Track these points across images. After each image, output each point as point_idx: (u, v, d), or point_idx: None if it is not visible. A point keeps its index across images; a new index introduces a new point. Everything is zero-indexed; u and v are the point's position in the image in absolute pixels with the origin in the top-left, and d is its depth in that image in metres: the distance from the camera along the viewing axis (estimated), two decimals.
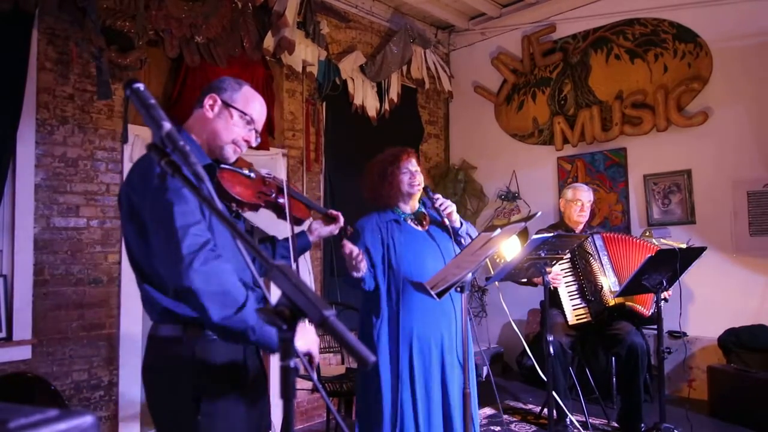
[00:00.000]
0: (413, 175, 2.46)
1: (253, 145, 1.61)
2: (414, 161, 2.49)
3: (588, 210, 3.68)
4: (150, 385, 1.48)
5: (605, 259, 3.51)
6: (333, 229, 1.96)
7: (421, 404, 2.32)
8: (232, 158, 1.60)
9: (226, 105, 1.56)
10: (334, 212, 1.98)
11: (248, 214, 1.71)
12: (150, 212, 1.36)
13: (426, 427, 2.31)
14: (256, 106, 1.60)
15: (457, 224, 2.46)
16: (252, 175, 1.66)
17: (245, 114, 1.57)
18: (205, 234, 1.32)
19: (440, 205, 2.42)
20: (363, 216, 2.53)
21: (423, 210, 2.56)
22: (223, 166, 1.59)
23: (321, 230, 1.96)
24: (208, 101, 1.56)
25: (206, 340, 1.41)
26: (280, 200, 1.72)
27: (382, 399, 2.32)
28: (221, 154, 1.57)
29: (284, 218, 1.72)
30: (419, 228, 2.50)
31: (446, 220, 2.41)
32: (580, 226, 3.69)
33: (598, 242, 3.53)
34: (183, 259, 1.27)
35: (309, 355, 1.42)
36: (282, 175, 4.09)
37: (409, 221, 2.50)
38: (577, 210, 3.64)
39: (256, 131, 1.61)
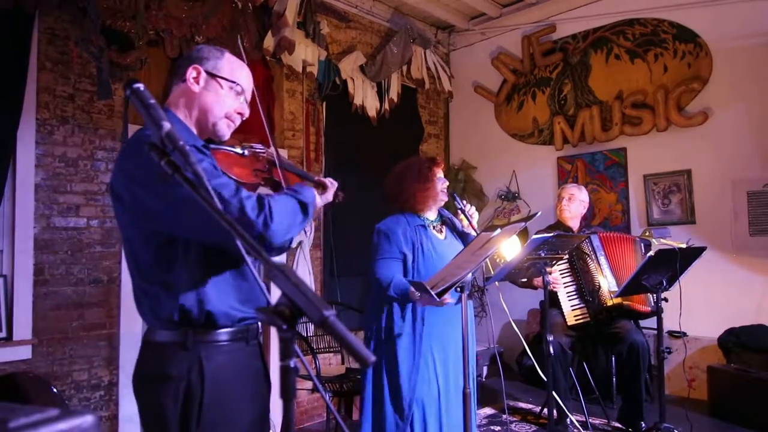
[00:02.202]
0: (443, 183, 2.53)
1: (246, 116, 1.48)
2: (441, 170, 2.56)
3: (573, 202, 3.67)
4: (147, 395, 1.36)
5: (602, 259, 3.50)
6: (328, 197, 1.69)
7: (442, 403, 2.35)
8: (227, 134, 1.46)
9: (212, 75, 1.41)
10: (324, 180, 1.70)
11: None
12: (171, 196, 1.22)
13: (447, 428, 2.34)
14: (243, 73, 1.46)
15: (473, 233, 2.53)
16: (245, 152, 1.53)
17: (235, 83, 1.43)
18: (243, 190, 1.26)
19: (468, 210, 2.49)
20: (387, 217, 2.51)
21: (443, 216, 2.61)
22: (213, 146, 1.45)
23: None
24: (191, 73, 1.40)
25: (212, 344, 1.32)
26: (275, 174, 1.58)
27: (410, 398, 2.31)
28: (215, 130, 1.43)
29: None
30: (440, 236, 2.54)
31: (472, 226, 2.49)
32: (571, 222, 3.67)
33: (595, 242, 3.53)
34: (251, 220, 1.22)
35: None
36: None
37: (432, 228, 2.53)
38: (562, 205, 3.68)
39: (246, 102, 1.48)
